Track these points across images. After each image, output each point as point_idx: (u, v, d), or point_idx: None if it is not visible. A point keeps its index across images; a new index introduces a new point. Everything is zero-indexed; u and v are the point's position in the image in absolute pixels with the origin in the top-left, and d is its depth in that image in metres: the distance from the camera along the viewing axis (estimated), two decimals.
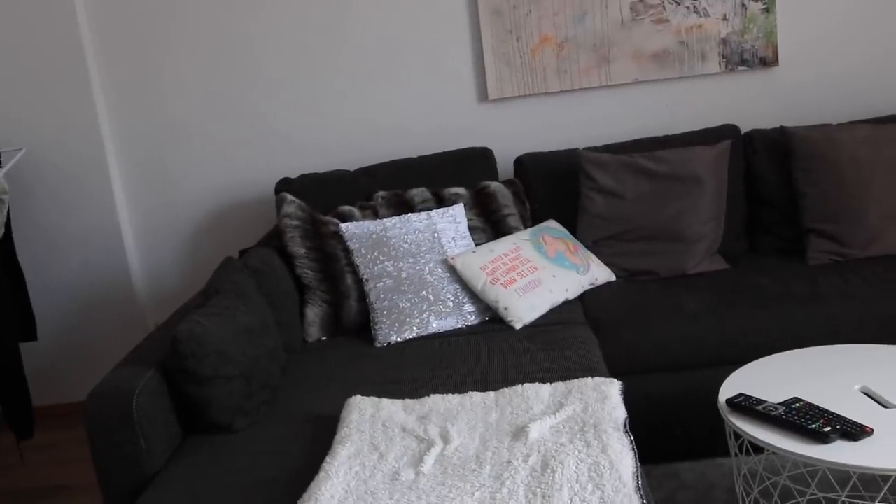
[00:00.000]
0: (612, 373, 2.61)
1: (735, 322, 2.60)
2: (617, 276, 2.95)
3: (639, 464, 1.66)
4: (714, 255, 2.97)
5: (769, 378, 2.15)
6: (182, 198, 3.53)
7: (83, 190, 3.44)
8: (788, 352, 2.31)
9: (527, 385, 2.05)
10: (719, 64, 3.28)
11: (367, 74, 3.38)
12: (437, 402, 2.03)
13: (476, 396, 2.04)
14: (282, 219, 2.81)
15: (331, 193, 3.12)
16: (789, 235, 3.06)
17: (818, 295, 2.63)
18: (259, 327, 2.33)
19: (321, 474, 1.73)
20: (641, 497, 1.52)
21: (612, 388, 1.98)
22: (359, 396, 2.09)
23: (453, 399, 2.04)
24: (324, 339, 2.76)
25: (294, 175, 3.37)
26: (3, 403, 3.06)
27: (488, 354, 2.43)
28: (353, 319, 2.76)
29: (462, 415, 1.96)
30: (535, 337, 2.53)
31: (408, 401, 2.06)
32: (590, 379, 2.05)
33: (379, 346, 2.62)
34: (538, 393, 2.01)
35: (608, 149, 3.13)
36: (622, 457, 1.66)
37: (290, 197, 2.84)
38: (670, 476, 2.63)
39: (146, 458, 1.99)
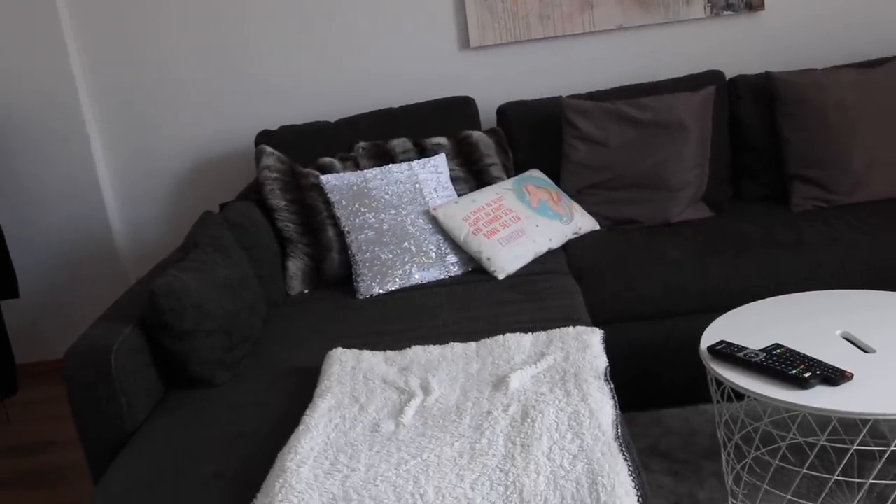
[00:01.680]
0: (596, 322, 2.61)
1: (718, 269, 2.59)
2: (601, 225, 2.94)
3: (619, 412, 1.66)
4: (698, 203, 2.95)
5: (751, 325, 2.15)
6: (161, 150, 3.48)
7: (60, 142, 3.39)
8: (770, 298, 2.30)
9: (508, 335, 2.04)
10: (704, 8, 3.23)
11: (347, 23, 3.32)
12: (418, 354, 2.02)
13: (457, 347, 2.03)
14: (261, 171, 2.77)
15: (311, 145, 3.08)
16: (774, 182, 3.04)
17: (802, 241, 2.62)
18: (238, 281, 2.31)
19: (301, 427, 1.72)
20: (620, 444, 1.52)
21: (594, 337, 1.97)
22: (340, 349, 2.08)
23: (434, 350, 2.03)
24: (306, 292, 2.74)
25: (275, 126, 3.32)
26: None
27: (471, 305, 2.42)
28: (335, 272, 2.74)
29: (443, 366, 1.95)
30: (518, 287, 2.51)
31: (389, 352, 2.06)
32: (571, 328, 2.04)
33: (361, 298, 2.60)
34: (519, 343, 2.00)
35: (592, 96, 3.09)
36: (602, 405, 1.66)
37: (269, 149, 2.80)
38: (654, 423, 2.64)
39: (126, 413, 1.99)
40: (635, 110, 2.93)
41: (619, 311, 2.62)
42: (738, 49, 3.26)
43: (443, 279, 2.67)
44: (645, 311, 2.61)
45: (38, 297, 3.53)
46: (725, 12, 3.22)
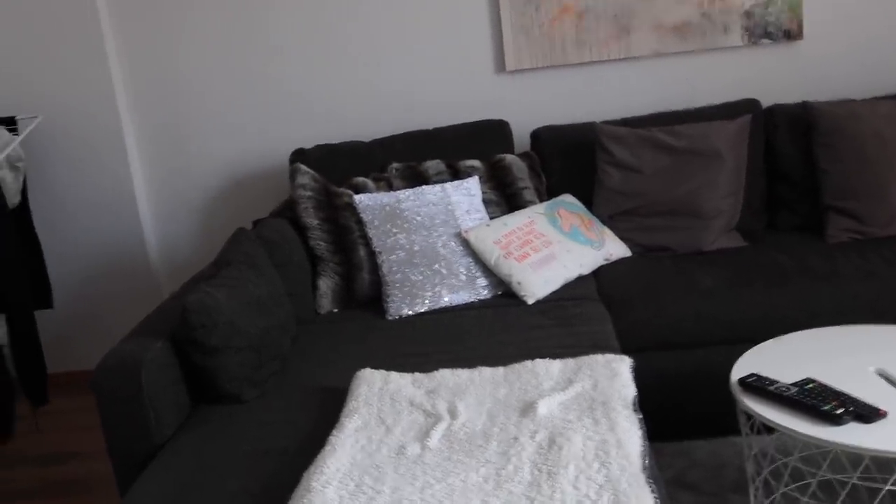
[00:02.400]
0: (625, 349, 2.59)
1: (751, 300, 2.56)
2: (632, 252, 2.92)
3: (647, 442, 1.65)
4: (731, 232, 2.93)
5: (783, 358, 2.12)
6: (197, 166, 3.52)
7: (98, 157, 3.44)
8: (803, 331, 2.27)
9: (537, 361, 2.03)
10: (742, 37, 3.22)
11: (383, 44, 3.35)
12: (446, 377, 2.02)
13: (485, 371, 2.03)
14: (295, 189, 2.79)
15: (345, 164, 3.10)
16: (809, 213, 3.01)
17: (837, 273, 2.59)
18: (270, 299, 2.32)
19: (327, 447, 1.72)
20: (647, 476, 1.51)
21: (623, 366, 1.96)
22: (368, 369, 2.08)
23: (462, 374, 2.03)
24: (336, 311, 2.75)
25: (309, 146, 3.35)
26: (18, 370, 3.09)
27: (500, 329, 2.41)
28: (365, 292, 2.75)
29: (471, 390, 1.95)
30: (547, 312, 2.51)
31: (417, 374, 2.06)
32: (600, 356, 2.03)
33: (390, 318, 2.61)
34: (548, 369, 1.99)
35: (626, 123, 3.08)
36: (630, 435, 1.64)
37: (303, 168, 2.82)
38: (681, 454, 2.61)
39: (155, 427, 2.00)
40: (670, 137, 2.92)
41: (649, 339, 2.60)
42: (775, 78, 3.24)
43: (472, 302, 2.67)
44: (675, 339, 2.59)
45: (71, 308, 3.58)
46: (763, 41, 3.21)
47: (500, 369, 2.03)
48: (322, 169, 3.06)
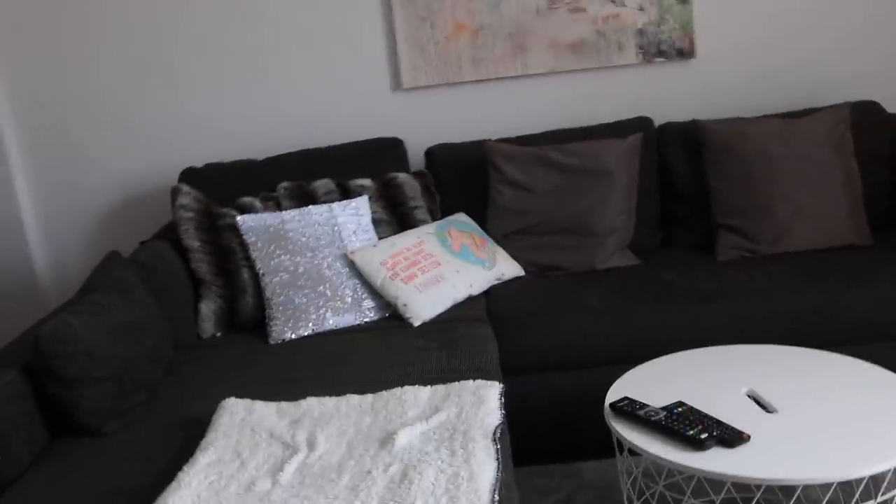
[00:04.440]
0: (514, 370, 2.56)
1: (639, 320, 2.56)
2: (526, 271, 2.90)
3: (501, 475, 1.60)
4: (624, 251, 2.93)
5: (658, 380, 2.11)
6: (88, 182, 3.40)
7: None
8: (681, 352, 2.27)
9: (406, 388, 1.99)
10: (636, 55, 3.23)
11: (280, 61, 3.28)
12: (312, 406, 1.96)
13: (353, 399, 1.97)
14: (176, 210, 2.70)
15: (236, 183, 3.02)
16: (702, 230, 3.02)
17: (723, 292, 2.59)
18: (137, 325, 2.23)
19: (173, 484, 1.65)
20: None
21: (491, 392, 1.92)
22: (233, 399, 2.01)
23: (329, 402, 1.97)
24: (218, 335, 2.67)
25: (202, 163, 3.26)
26: None
27: (381, 352, 2.36)
28: (249, 315, 2.67)
29: (335, 419, 1.89)
30: (431, 335, 2.46)
31: (283, 403, 1.99)
32: (471, 382, 1.99)
33: (273, 343, 2.54)
34: (416, 396, 1.94)
35: (521, 140, 3.06)
36: (484, 468, 1.60)
37: (185, 188, 2.74)
38: (572, 475, 2.59)
39: (3, 464, 1.89)
40: (561, 156, 2.90)
41: (538, 360, 2.57)
42: (669, 96, 3.26)
43: (358, 324, 2.61)
44: (564, 360, 2.57)
45: None
46: (657, 59, 3.22)
47: (369, 397, 1.98)
48: (212, 188, 2.98)
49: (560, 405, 2.59)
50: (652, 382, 2.10)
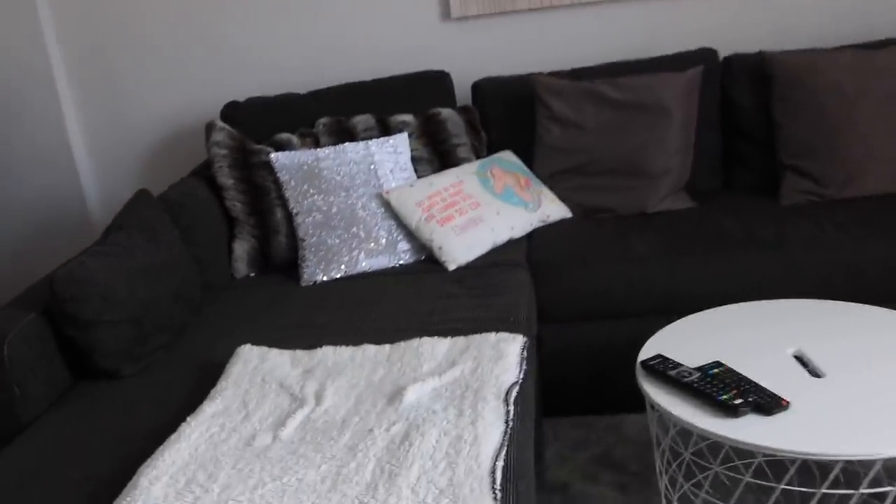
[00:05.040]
0: (552, 318, 2.44)
1: (688, 269, 2.39)
2: (573, 214, 2.75)
3: (508, 438, 1.50)
4: (679, 193, 2.74)
5: (698, 336, 1.96)
6: (137, 117, 3.37)
7: (28, 103, 3.28)
8: (727, 306, 2.11)
9: (424, 339, 1.89)
10: None
11: None
12: (328, 355, 1.89)
13: (369, 350, 1.89)
14: (210, 147, 2.64)
15: (277, 118, 2.94)
16: (766, 171, 2.80)
17: (783, 241, 2.40)
18: (162, 266, 2.19)
19: (173, 435, 1.61)
20: (493, 481, 1.37)
21: (512, 346, 1.81)
22: (248, 345, 1.96)
23: (345, 352, 1.89)
24: (252, 275, 2.62)
25: (246, 97, 3.18)
26: None
27: (410, 298, 2.27)
28: (283, 255, 2.61)
29: (348, 370, 1.81)
30: (465, 280, 2.35)
31: (298, 352, 1.92)
32: (493, 335, 1.88)
33: (304, 285, 2.47)
34: (434, 349, 1.85)
35: (573, 73, 2.88)
36: (490, 431, 1.50)
37: (219, 124, 2.67)
38: (612, 429, 2.49)
39: (20, 404, 1.89)
40: (613, 90, 2.72)
41: (576, 309, 2.45)
42: (735, 25, 3.01)
43: (392, 267, 2.52)
44: (605, 309, 2.44)
45: (5, 267, 3.47)
46: None
47: (386, 347, 1.90)
48: (253, 123, 2.92)
49: (600, 355, 2.47)
50: (690, 339, 1.95)
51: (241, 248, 2.61)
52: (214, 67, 3.28)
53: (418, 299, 2.25)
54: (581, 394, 2.52)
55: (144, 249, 2.17)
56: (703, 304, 2.33)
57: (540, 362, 2.45)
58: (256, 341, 2.04)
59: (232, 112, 3.00)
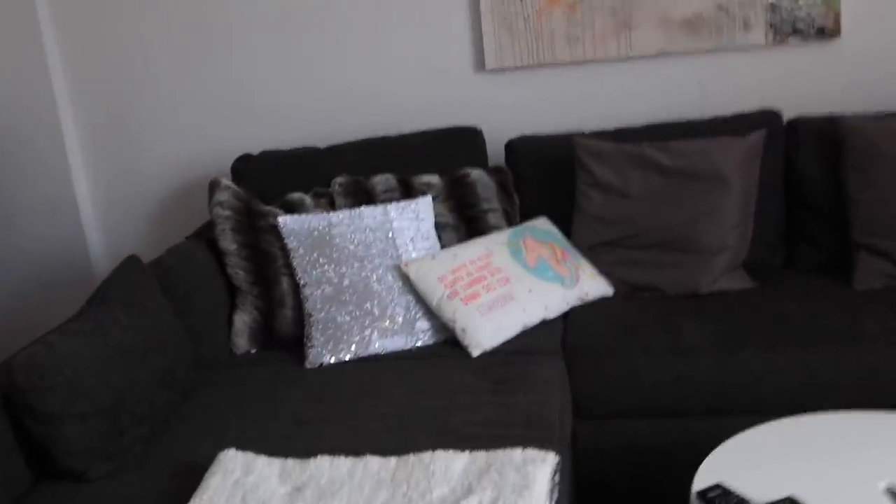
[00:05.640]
0: (589, 414, 2.14)
1: (745, 363, 2.09)
2: (615, 291, 2.45)
3: None
4: (737, 271, 2.43)
5: (765, 457, 1.65)
6: (146, 169, 3.15)
7: (35, 153, 3.09)
8: (801, 417, 1.78)
9: (438, 453, 1.60)
10: (766, 34, 2.69)
11: (352, 39, 2.91)
12: (323, 468, 1.60)
13: (372, 464, 1.60)
14: (213, 208, 2.39)
15: (291, 174, 2.69)
16: (836, 250, 2.48)
17: (859, 333, 2.08)
18: (146, 346, 1.93)
19: None
20: None
21: (541, 472, 1.51)
22: (232, 451, 1.68)
23: (343, 465, 1.60)
24: (253, 351, 2.35)
25: (260, 150, 2.94)
26: None
27: (426, 390, 1.98)
28: (288, 330, 2.34)
29: (345, 491, 1.52)
30: (490, 370, 2.06)
31: (289, 461, 1.64)
32: (519, 452, 1.58)
33: (309, 367, 2.20)
34: (448, 467, 1.55)
35: (618, 135, 2.59)
36: None
37: (224, 182, 2.42)
38: None
39: None
40: (664, 155, 2.43)
41: (617, 405, 2.15)
42: (803, 84, 2.72)
43: (409, 350, 2.24)
44: (649, 406, 2.14)
45: (5, 322, 3.25)
46: (791, 39, 2.68)
47: (392, 461, 1.60)
48: (265, 178, 2.68)
49: (643, 458, 2.16)
50: (756, 461, 1.64)
51: (242, 321, 2.34)
52: (229, 117, 3.06)
53: (435, 392, 1.96)
54: (621, 500, 2.20)
55: (126, 326, 1.91)
56: (762, 405, 2.04)
57: (574, 463, 2.13)
58: (246, 439, 1.77)
59: (243, 166, 2.76)
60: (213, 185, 2.40)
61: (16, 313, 3.25)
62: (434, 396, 1.94)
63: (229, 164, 3.04)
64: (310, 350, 2.21)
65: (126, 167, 3.16)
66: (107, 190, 3.18)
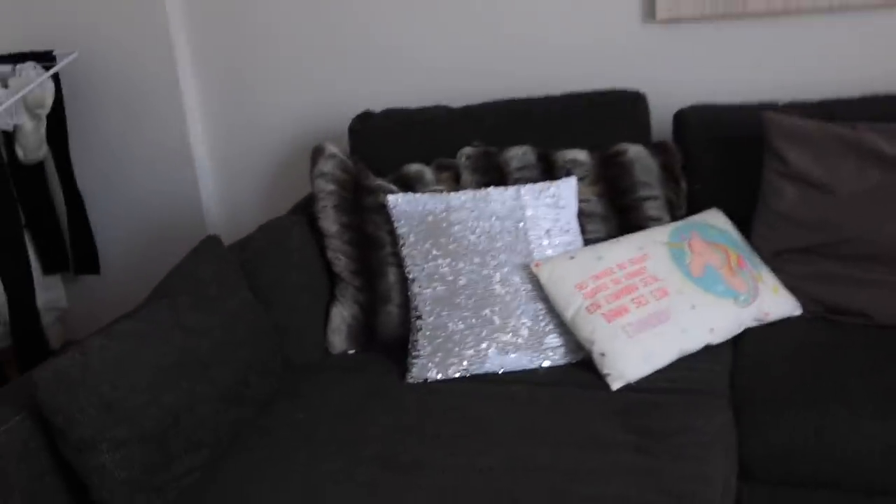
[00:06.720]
0: (760, 478, 1.66)
1: None
2: (805, 312, 1.92)
3: None
4: None
5: None
6: (265, 122, 2.85)
7: (150, 103, 2.85)
8: None
9: None
10: None
11: None
12: None
13: None
14: (315, 180, 2.03)
15: (415, 139, 2.29)
16: None
17: None
18: (211, 352, 1.61)
19: None
20: None
21: None
22: None
23: None
24: (351, 352, 1.99)
25: (385, 106, 2.55)
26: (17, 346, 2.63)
27: (545, 437, 1.56)
28: (392, 331, 1.97)
29: None
30: (632, 414, 1.62)
31: None
32: None
33: (410, 381, 1.82)
34: None
35: (823, 110, 2.03)
36: None
37: (330, 148, 2.05)
38: None
39: None
40: (885, 141, 1.85)
41: (800, 471, 1.65)
42: None
43: (533, 370, 1.82)
44: (843, 477, 1.62)
45: (119, 274, 3.07)
46: None
47: None
48: (382, 143, 2.30)
49: None
50: None
51: (341, 317, 1.98)
52: (355, 68, 2.68)
53: (555, 440, 1.54)
54: None
55: (192, 328, 1.59)
56: None
57: None
58: (312, 483, 1.44)
59: (362, 126, 2.38)
60: (317, 153, 2.04)
61: (131, 267, 3.07)
62: (554, 445, 1.52)
63: (348, 120, 2.68)
64: (414, 361, 1.83)
65: (244, 119, 2.87)
66: (224, 143, 2.91)
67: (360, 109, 2.59)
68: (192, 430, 1.52)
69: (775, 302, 1.90)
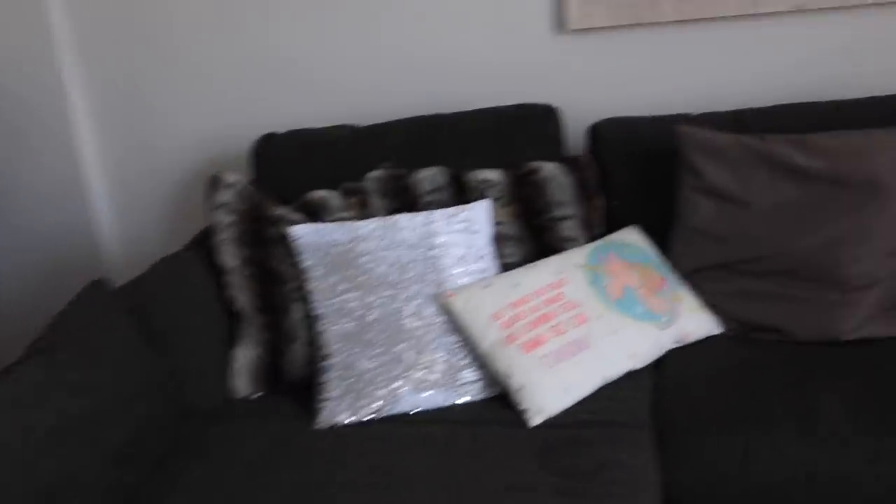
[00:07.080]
0: None
1: None
2: (724, 330, 1.88)
3: None
4: (891, 312, 1.82)
5: None
6: (164, 145, 2.69)
7: (39, 125, 2.66)
8: None
9: None
10: None
11: None
12: None
13: None
14: (213, 211, 1.90)
15: (320, 161, 2.19)
16: None
17: None
18: (97, 412, 1.47)
19: None
20: None
21: None
22: None
23: None
24: (256, 395, 1.87)
25: (288, 128, 2.43)
26: None
27: (459, 485, 1.47)
28: (299, 371, 1.85)
29: None
30: (552, 454, 1.54)
31: None
32: None
33: (318, 427, 1.71)
34: None
35: (737, 120, 1.99)
36: None
37: (228, 177, 1.93)
38: None
39: None
40: (800, 152, 1.82)
41: (730, 501, 1.59)
42: None
43: (449, 407, 1.72)
44: None
45: (5, 311, 2.87)
46: None
47: None
48: (286, 166, 2.19)
49: None
50: None
51: (245, 358, 1.86)
52: (261, 86, 2.55)
53: (472, 489, 1.45)
54: None
55: (75, 386, 1.46)
56: None
57: None
58: None
59: (264, 149, 2.27)
60: (214, 183, 1.91)
61: (17, 304, 2.87)
62: (474, 497, 1.43)
63: (252, 141, 2.55)
64: (323, 404, 1.72)
65: (142, 142, 2.69)
66: (120, 168, 2.74)
67: (264, 130, 2.47)
68: (77, 498, 1.39)
69: (695, 322, 1.85)
